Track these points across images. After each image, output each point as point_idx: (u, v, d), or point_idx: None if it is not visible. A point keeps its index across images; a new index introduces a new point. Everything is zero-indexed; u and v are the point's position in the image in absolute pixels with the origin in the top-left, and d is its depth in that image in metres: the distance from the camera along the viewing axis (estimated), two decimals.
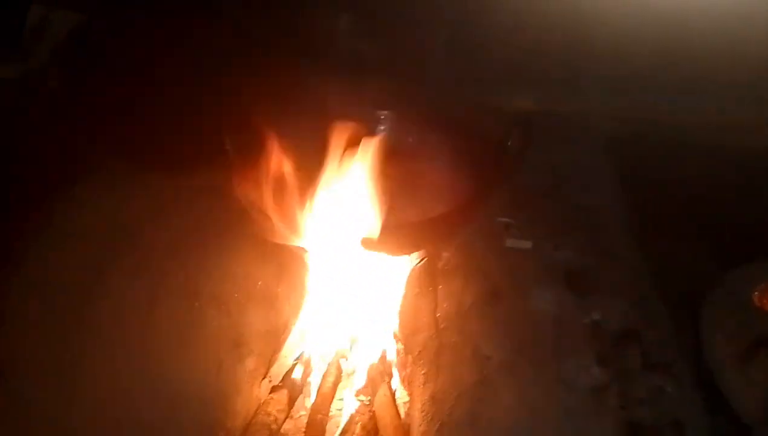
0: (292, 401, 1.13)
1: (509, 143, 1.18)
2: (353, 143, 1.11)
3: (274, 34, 1.39)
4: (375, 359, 1.19)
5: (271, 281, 1.11)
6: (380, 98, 1.24)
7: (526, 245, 1.24)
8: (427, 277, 1.11)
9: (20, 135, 1.34)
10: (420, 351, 1.05)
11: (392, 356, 1.19)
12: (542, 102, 1.65)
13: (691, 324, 1.17)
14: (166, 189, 1.24)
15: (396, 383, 1.17)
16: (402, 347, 1.16)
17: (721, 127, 1.54)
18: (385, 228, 1.08)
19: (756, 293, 1.15)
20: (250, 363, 1.05)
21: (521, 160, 1.14)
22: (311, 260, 1.16)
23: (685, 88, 1.55)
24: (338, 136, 1.11)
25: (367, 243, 1.07)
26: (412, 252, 1.11)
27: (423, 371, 1.02)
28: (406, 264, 1.17)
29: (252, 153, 1.12)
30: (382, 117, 1.21)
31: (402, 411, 1.12)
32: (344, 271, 1.16)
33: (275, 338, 1.11)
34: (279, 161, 1.12)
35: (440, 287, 1.08)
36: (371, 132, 1.15)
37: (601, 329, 1.09)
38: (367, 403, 1.14)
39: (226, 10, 1.39)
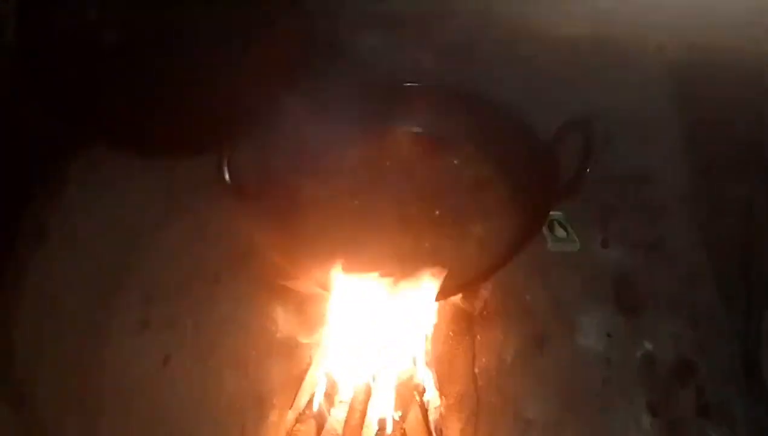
0: (320, 429, 1.08)
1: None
2: None
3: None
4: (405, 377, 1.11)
5: (288, 326, 0.99)
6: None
7: (573, 247, 1.10)
8: (463, 321, 0.98)
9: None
10: (456, 402, 0.97)
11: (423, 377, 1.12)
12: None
13: (755, 334, 1.06)
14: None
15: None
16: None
17: None
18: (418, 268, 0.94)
19: None
20: (274, 415, 0.98)
21: (579, 183, 0.93)
22: (332, 298, 1.02)
23: None
24: None
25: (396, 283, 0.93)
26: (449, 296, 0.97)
27: (460, 427, 0.96)
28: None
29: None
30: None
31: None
32: (368, 307, 1.03)
33: (298, 383, 1.02)
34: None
35: (477, 337, 0.97)
36: None
37: (654, 363, 1.00)
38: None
39: None
